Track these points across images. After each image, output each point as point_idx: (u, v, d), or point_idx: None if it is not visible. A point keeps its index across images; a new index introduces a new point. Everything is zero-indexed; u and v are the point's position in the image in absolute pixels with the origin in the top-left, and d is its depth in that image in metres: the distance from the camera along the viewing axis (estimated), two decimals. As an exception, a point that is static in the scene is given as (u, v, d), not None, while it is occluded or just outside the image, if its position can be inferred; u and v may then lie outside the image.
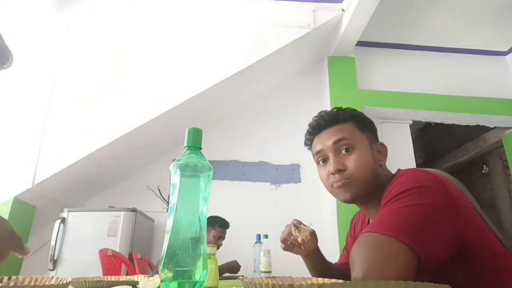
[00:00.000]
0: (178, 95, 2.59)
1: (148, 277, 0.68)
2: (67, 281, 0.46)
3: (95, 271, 1.94)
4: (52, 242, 2.28)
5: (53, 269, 2.25)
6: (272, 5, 2.91)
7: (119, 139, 2.51)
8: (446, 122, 3.22)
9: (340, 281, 0.39)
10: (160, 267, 0.47)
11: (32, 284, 0.46)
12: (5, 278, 0.46)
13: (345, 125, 0.81)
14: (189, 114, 2.78)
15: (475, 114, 3.08)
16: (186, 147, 0.54)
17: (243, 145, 3.13)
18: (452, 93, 3.09)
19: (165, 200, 2.88)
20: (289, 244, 0.92)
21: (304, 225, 0.91)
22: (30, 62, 2.60)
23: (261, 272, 1.74)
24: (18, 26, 2.53)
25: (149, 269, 2.24)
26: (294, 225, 0.89)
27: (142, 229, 2.60)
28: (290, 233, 0.90)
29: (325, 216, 2.75)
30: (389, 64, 3.27)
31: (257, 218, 2.69)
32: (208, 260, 0.80)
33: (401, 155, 2.92)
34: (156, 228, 2.92)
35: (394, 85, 3.15)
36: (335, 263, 1.06)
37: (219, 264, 1.24)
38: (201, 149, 0.55)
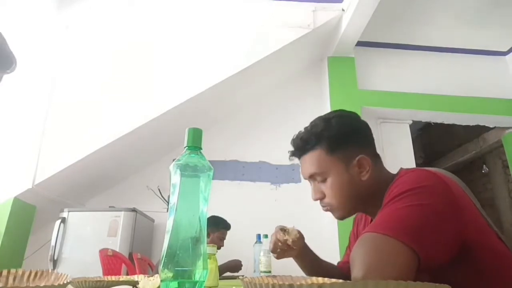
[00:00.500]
0: (178, 95, 2.59)
1: (148, 277, 0.68)
2: (67, 278, 0.46)
3: (95, 271, 1.94)
4: (52, 242, 2.28)
5: (53, 269, 2.24)
6: (272, 5, 2.91)
7: (119, 139, 2.51)
8: (446, 122, 3.22)
9: (340, 281, 0.39)
10: (160, 267, 0.47)
11: (31, 278, 0.46)
12: (5, 272, 0.46)
13: (314, 153, 0.80)
14: (189, 114, 2.78)
15: (475, 114, 3.08)
16: (186, 147, 0.54)
17: (243, 145, 3.13)
18: (452, 93, 3.09)
19: (165, 200, 2.88)
20: (279, 251, 0.94)
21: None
22: (30, 62, 2.60)
23: (261, 272, 1.75)
24: (18, 26, 2.52)
25: (149, 269, 2.24)
26: (281, 229, 0.92)
27: (142, 229, 2.60)
28: (277, 241, 0.92)
29: (325, 216, 2.73)
30: (389, 64, 3.27)
31: (257, 218, 2.69)
32: (208, 260, 0.80)
33: (401, 155, 2.92)
34: (156, 228, 2.92)
35: (394, 85, 3.15)
36: (338, 262, 1.06)
37: (219, 264, 1.24)
38: (201, 149, 0.55)
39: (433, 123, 3.32)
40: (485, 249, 0.64)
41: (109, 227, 2.37)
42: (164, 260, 0.47)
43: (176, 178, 0.52)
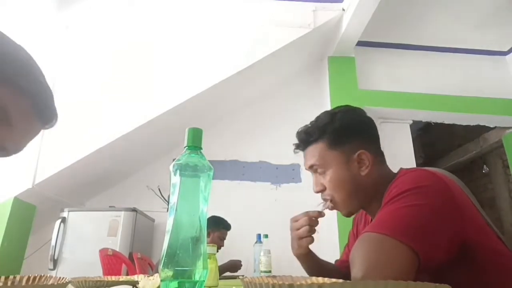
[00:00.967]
0: (178, 95, 2.59)
1: (148, 276, 0.68)
2: (66, 281, 0.46)
3: (96, 271, 1.94)
4: (53, 242, 2.28)
5: (54, 269, 2.25)
6: (272, 5, 2.90)
7: (119, 139, 2.51)
8: (446, 122, 3.21)
9: (340, 280, 0.39)
10: (160, 267, 0.47)
11: (30, 283, 0.46)
12: (2, 278, 0.46)
13: (317, 146, 0.82)
14: (189, 114, 2.78)
15: (475, 114, 3.07)
16: (186, 147, 0.54)
17: (243, 145, 3.13)
18: (452, 93, 3.09)
19: (165, 200, 2.88)
20: (309, 234, 0.85)
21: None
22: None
23: (261, 271, 1.75)
24: (18, 26, 2.52)
25: (149, 268, 2.24)
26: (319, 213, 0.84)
27: (142, 228, 2.60)
28: (308, 219, 0.83)
29: (325, 215, 2.74)
30: (389, 64, 3.27)
31: (257, 218, 2.69)
32: (208, 259, 0.80)
33: (401, 155, 2.92)
34: (156, 228, 2.92)
35: (394, 85, 3.14)
36: (336, 261, 1.06)
37: (219, 264, 1.24)
38: (201, 149, 0.55)
39: (434, 123, 3.32)
40: (484, 249, 0.64)
41: (109, 226, 2.37)
42: (164, 259, 0.47)
43: (176, 178, 0.52)
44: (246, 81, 2.90)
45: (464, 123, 3.22)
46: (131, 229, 2.41)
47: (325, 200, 0.84)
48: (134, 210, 2.48)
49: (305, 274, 0.94)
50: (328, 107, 2.99)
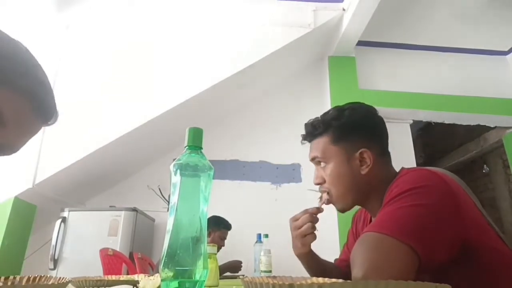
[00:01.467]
0: (178, 95, 2.59)
1: (148, 276, 0.68)
2: (66, 281, 0.46)
3: (96, 271, 1.94)
4: (53, 242, 2.29)
5: (54, 269, 2.25)
6: (273, 5, 2.90)
7: (119, 139, 2.51)
8: (446, 122, 3.21)
9: (340, 280, 0.39)
10: (161, 267, 0.47)
11: (30, 283, 0.46)
12: (2, 278, 0.46)
13: (320, 140, 0.84)
14: (190, 113, 2.78)
15: (476, 114, 3.07)
16: (187, 147, 0.54)
17: (244, 145, 3.13)
18: (452, 93, 3.09)
19: (166, 200, 2.88)
20: (311, 231, 0.85)
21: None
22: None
23: (262, 271, 1.75)
24: (18, 26, 2.52)
25: (150, 268, 2.24)
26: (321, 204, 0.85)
27: (142, 228, 2.61)
28: (309, 217, 0.84)
29: (325, 215, 2.74)
30: (389, 63, 3.27)
31: (257, 218, 2.69)
32: (209, 259, 0.80)
33: (401, 155, 2.89)
34: (156, 228, 2.92)
35: (395, 85, 3.14)
36: (335, 260, 1.06)
37: (219, 264, 1.24)
38: (202, 148, 0.55)
39: (434, 122, 3.32)
40: (485, 248, 0.64)
41: (110, 226, 2.37)
42: (165, 259, 0.47)
43: (176, 177, 0.52)
44: (246, 81, 2.90)
45: (465, 123, 3.22)
46: (132, 229, 2.41)
47: (321, 192, 0.85)
48: (134, 210, 2.48)
49: (306, 274, 0.94)
50: (328, 106, 2.99)
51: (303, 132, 0.89)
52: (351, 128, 0.82)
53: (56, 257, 2.27)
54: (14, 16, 2.57)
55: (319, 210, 0.86)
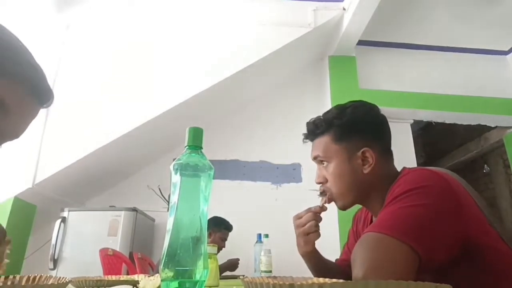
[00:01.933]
0: (178, 94, 2.59)
1: (148, 276, 0.67)
2: (66, 281, 0.45)
3: (96, 271, 1.94)
4: (53, 242, 2.28)
5: (54, 269, 2.25)
6: (273, 4, 2.90)
7: (119, 139, 2.51)
8: (447, 122, 3.21)
9: (341, 281, 0.39)
10: (161, 267, 0.47)
11: (29, 283, 0.46)
12: (2, 278, 0.46)
13: (322, 139, 0.83)
14: (190, 113, 2.78)
15: (476, 114, 3.07)
16: (187, 147, 0.54)
17: (244, 145, 3.13)
18: (453, 93, 3.09)
19: (166, 200, 2.88)
20: (315, 229, 0.86)
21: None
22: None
23: (262, 271, 1.75)
24: (18, 26, 2.52)
25: (150, 268, 2.24)
26: (323, 201, 0.85)
27: (142, 228, 2.60)
28: (312, 215, 0.85)
29: (326, 215, 2.74)
30: (390, 63, 3.27)
31: (257, 218, 2.69)
32: (209, 259, 0.80)
33: (402, 155, 2.88)
34: (156, 228, 2.92)
35: (395, 85, 3.14)
36: (336, 260, 1.06)
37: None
38: (202, 148, 0.55)
39: (434, 122, 3.31)
40: (486, 248, 0.64)
41: (110, 226, 2.37)
42: (165, 259, 0.47)
43: (176, 177, 0.51)
44: (246, 80, 2.90)
45: (465, 123, 3.22)
46: (132, 229, 2.41)
47: (322, 192, 0.85)
48: (134, 209, 2.48)
49: (306, 274, 0.94)
50: (328, 106, 2.99)
51: (304, 131, 0.88)
52: (353, 127, 0.81)
53: (56, 257, 2.27)
54: (14, 16, 2.57)
55: (322, 208, 0.85)
